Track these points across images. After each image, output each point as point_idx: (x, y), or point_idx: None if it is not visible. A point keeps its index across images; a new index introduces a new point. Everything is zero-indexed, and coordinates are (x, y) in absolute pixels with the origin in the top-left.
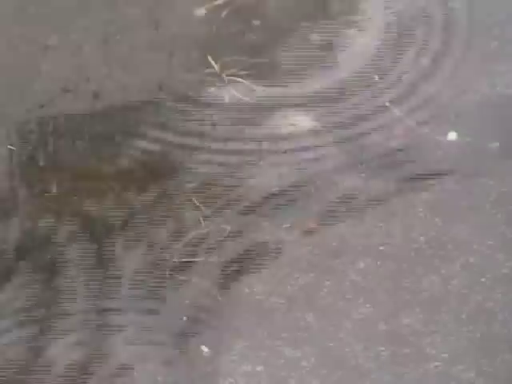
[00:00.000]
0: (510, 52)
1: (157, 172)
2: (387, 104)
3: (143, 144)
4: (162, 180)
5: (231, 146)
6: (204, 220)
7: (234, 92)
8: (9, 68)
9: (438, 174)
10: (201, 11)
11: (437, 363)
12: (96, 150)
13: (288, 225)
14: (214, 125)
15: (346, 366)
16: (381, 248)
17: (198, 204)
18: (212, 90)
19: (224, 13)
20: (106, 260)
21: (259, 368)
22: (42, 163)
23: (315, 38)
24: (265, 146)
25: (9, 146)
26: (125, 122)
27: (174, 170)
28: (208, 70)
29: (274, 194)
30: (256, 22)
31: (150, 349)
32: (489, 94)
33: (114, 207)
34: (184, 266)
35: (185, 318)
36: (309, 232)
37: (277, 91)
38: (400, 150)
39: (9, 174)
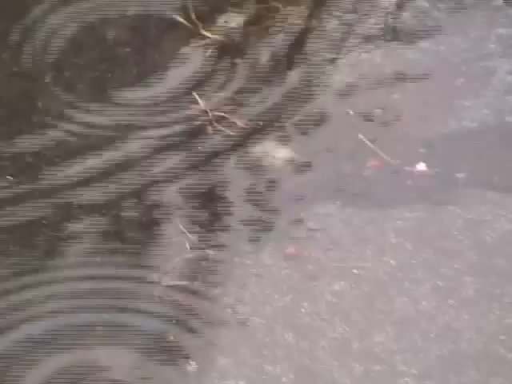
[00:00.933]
0: (475, 88)
1: None
2: (360, 137)
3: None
4: None
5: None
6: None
7: (217, 125)
8: None
9: (408, 203)
10: (186, 50)
11: (407, 379)
12: None
13: (267, 249)
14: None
15: (322, 381)
16: (355, 271)
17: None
18: (197, 123)
19: (208, 51)
20: None
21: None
22: None
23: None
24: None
25: None
26: None
27: None
28: (194, 106)
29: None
30: (238, 61)
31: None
32: (455, 128)
33: None
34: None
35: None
36: (288, 256)
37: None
38: (373, 180)
39: None
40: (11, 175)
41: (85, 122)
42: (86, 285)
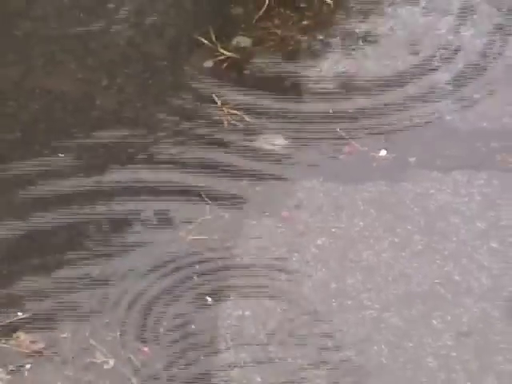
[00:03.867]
0: (424, 94)
1: None
2: (338, 130)
3: None
4: None
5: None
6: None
7: (231, 119)
8: None
9: (373, 180)
10: (208, 63)
11: (371, 311)
12: None
13: (267, 213)
14: None
15: (307, 312)
16: (333, 230)
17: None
18: (215, 118)
19: (224, 65)
20: None
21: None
22: None
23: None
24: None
25: None
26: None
27: None
28: (212, 105)
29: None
30: (247, 72)
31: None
32: (408, 124)
33: None
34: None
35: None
36: (283, 219)
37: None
38: (347, 162)
39: None
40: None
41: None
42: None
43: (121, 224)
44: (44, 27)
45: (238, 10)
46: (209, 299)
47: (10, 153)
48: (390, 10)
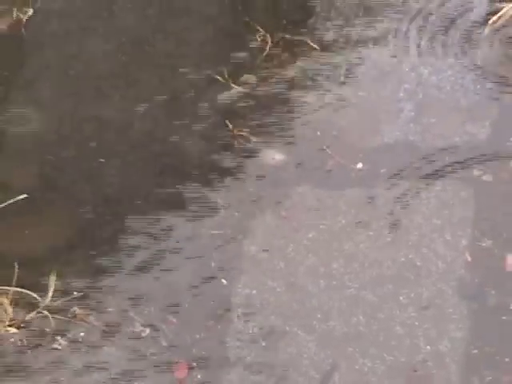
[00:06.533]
0: (390, 116)
1: None
2: (324, 148)
3: None
4: None
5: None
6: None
7: (240, 139)
8: None
9: (352, 187)
10: (222, 96)
11: (352, 289)
12: None
13: (269, 213)
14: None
15: (300, 290)
16: (321, 226)
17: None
18: (227, 138)
19: (235, 97)
20: None
21: (254, 292)
22: None
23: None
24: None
25: None
26: None
27: None
28: (225, 128)
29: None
30: (253, 102)
31: None
32: (379, 143)
33: None
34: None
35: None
36: (281, 217)
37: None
38: (331, 172)
39: None
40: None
41: None
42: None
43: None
44: (93, 67)
45: (245, 54)
46: (224, 281)
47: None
48: (364, 50)
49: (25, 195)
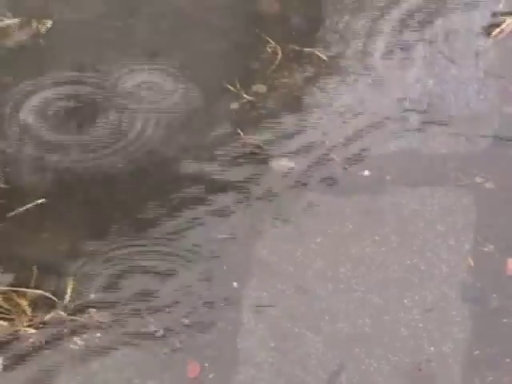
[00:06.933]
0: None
1: None
2: (333, 156)
3: None
4: None
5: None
6: None
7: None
8: None
9: (357, 193)
10: (234, 105)
11: (358, 293)
12: None
13: (279, 218)
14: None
15: (307, 292)
16: (328, 231)
17: None
18: (238, 146)
19: (246, 106)
20: None
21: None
22: None
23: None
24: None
25: None
26: None
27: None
28: (236, 136)
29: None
30: (263, 111)
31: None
32: (383, 152)
33: None
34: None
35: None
36: (290, 222)
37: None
38: (339, 179)
39: None
40: None
41: None
42: None
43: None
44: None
45: (256, 65)
46: (235, 284)
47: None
48: (371, 61)
49: (43, 199)
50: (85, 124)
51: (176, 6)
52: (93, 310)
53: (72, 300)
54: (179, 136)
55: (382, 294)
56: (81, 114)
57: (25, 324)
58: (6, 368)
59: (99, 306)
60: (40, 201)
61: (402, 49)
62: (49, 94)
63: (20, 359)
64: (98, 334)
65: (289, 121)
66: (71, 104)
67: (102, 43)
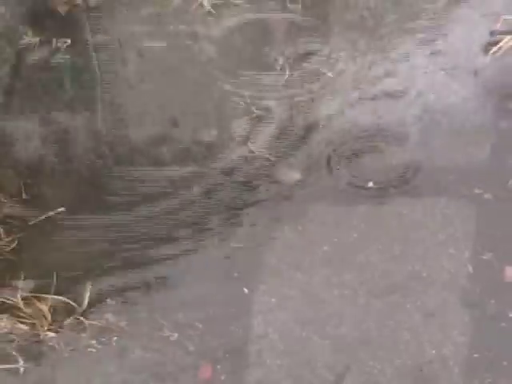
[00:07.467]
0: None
1: None
2: (338, 168)
3: None
4: None
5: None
6: None
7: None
8: None
9: (362, 203)
10: (244, 119)
11: (363, 298)
12: None
13: (288, 228)
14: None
15: (314, 297)
16: (334, 239)
17: None
18: (249, 158)
19: (255, 121)
20: None
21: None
22: None
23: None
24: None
25: None
26: None
27: None
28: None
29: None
30: (271, 125)
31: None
32: (388, 164)
33: None
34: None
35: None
36: (298, 230)
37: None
38: (346, 191)
39: None
40: None
41: None
42: None
43: None
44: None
45: (265, 80)
46: (246, 290)
47: None
48: (376, 79)
49: (63, 208)
50: None
51: None
52: (110, 315)
53: (90, 305)
54: (192, 146)
55: (385, 300)
56: None
57: (45, 328)
58: (26, 370)
59: (116, 311)
60: (60, 209)
61: (405, 66)
62: None
63: (40, 362)
64: (115, 338)
65: (297, 134)
66: None
67: (117, 62)
